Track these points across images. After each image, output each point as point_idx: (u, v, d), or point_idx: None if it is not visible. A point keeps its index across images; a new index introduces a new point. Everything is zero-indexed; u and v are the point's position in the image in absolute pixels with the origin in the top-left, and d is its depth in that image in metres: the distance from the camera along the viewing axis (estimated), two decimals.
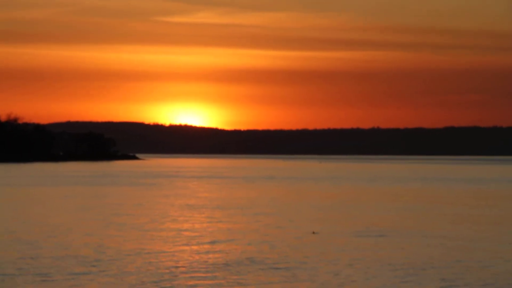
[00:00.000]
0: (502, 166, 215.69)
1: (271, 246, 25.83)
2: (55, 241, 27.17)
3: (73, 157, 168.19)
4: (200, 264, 20.00)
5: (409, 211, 49.76)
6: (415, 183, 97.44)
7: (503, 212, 50.16)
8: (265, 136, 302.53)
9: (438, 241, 28.30)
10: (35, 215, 43.88)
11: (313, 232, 31.81)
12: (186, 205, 52.02)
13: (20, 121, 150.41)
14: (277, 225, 36.36)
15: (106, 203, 55.30)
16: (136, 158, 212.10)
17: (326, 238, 29.20)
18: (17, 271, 17.65)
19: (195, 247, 25.09)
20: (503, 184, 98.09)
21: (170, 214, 44.10)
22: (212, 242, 27.07)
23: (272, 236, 30.16)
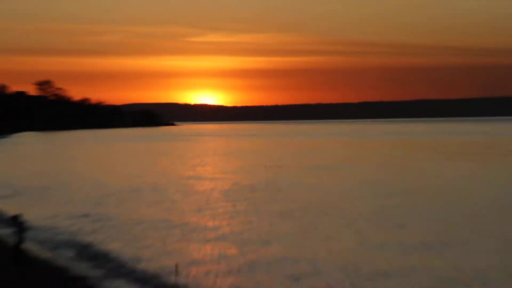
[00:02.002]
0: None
1: (241, 172, 46.04)
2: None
3: (136, 125, 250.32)
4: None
5: (347, 154, 69.28)
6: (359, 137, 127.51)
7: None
8: (254, 110, 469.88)
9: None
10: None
11: (265, 166, 49.94)
12: (210, 150, 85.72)
13: (104, 103, 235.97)
14: (250, 162, 57.19)
15: (174, 149, 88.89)
16: (174, 125, 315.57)
17: (273, 169, 47.43)
18: None
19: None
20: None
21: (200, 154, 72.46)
22: (215, 166, 53.90)
23: (243, 168, 51.24)
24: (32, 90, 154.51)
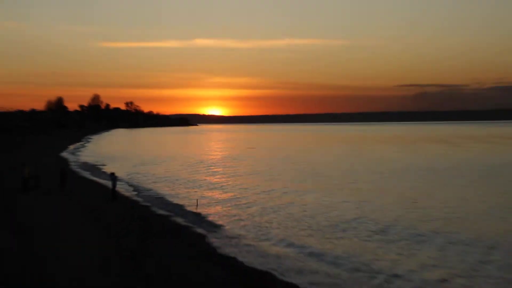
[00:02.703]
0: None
1: (228, 149, 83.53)
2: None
3: (177, 125, 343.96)
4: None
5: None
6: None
7: None
8: (241, 117, 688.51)
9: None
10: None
11: (248, 147, 75.53)
12: (220, 137, 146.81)
13: (160, 113, 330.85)
14: (235, 144, 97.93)
15: (202, 137, 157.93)
16: (197, 125, 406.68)
17: (255, 151, 72.75)
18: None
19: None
20: None
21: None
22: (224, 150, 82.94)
23: (232, 147, 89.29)
24: (122, 106, 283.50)
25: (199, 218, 21.80)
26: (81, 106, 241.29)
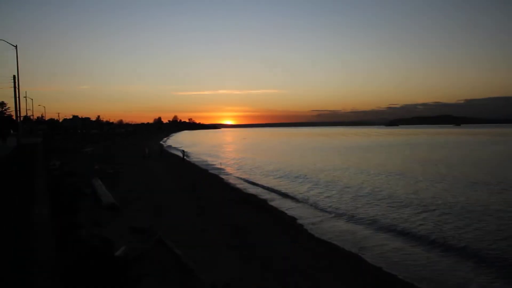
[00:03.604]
0: None
1: (239, 137, 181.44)
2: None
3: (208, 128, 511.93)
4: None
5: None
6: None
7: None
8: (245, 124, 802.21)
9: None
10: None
11: (243, 138, 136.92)
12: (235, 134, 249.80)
13: (193, 121, 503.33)
14: (242, 136, 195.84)
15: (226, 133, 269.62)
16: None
17: (247, 141, 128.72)
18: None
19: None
20: None
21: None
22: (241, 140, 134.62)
23: (240, 136, 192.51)
24: (187, 120, 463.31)
25: (222, 171, 44.54)
26: (169, 121, 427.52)
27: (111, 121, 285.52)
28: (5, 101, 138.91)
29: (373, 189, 29.82)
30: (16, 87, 54.90)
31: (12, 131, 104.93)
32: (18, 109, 56.85)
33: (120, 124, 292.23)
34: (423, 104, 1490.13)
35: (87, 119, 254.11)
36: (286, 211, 22.67)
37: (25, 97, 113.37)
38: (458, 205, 23.35)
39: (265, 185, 33.17)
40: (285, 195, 28.09)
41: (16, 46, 52.71)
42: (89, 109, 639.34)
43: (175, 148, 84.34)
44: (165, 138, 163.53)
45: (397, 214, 21.57)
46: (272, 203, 24.98)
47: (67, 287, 6.97)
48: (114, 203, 20.73)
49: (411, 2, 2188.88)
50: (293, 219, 20.79)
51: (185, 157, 51.70)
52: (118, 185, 29.39)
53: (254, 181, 35.49)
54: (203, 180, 35.44)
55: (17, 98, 55.46)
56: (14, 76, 54.83)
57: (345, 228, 19.00)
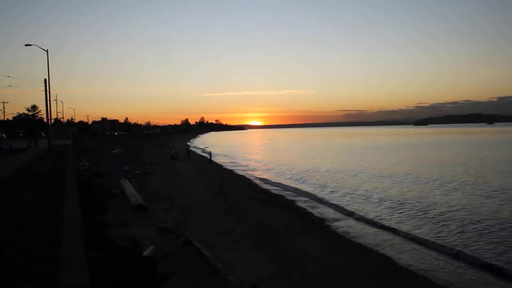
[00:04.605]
0: None
1: (270, 138, 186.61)
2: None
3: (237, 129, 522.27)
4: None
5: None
6: None
7: None
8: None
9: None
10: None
11: (270, 139, 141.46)
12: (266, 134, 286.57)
13: (220, 122, 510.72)
14: (268, 136, 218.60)
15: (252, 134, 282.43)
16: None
17: (274, 142, 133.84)
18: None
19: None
20: None
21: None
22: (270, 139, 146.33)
23: (269, 137, 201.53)
24: (213, 121, 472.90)
25: (249, 168, 44.54)
26: (196, 122, 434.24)
27: (138, 123, 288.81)
28: (37, 105, 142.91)
29: (406, 192, 29.31)
30: (47, 91, 56.07)
31: (43, 133, 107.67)
32: (49, 112, 58.06)
33: (148, 126, 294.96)
34: (453, 103, 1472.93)
35: (115, 121, 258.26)
36: (314, 212, 22.50)
37: (56, 100, 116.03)
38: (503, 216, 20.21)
39: (292, 186, 33.02)
40: (312, 196, 27.90)
41: (47, 51, 53.85)
42: (117, 111, 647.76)
43: (202, 149, 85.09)
44: (192, 139, 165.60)
45: (441, 227, 18.80)
46: (300, 204, 24.85)
47: (96, 285, 7.03)
48: (142, 204, 20.93)
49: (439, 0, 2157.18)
50: (321, 220, 20.61)
51: (211, 158, 51.87)
52: (146, 185, 29.70)
53: (281, 182, 35.37)
54: (230, 181, 35.49)
55: (48, 101, 56.66)
56: (45, 80, 56.01)
57: (374, 231, 18.68)
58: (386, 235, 17.74)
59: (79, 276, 6.57)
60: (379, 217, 20.86)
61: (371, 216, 21.24)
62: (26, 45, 51.14)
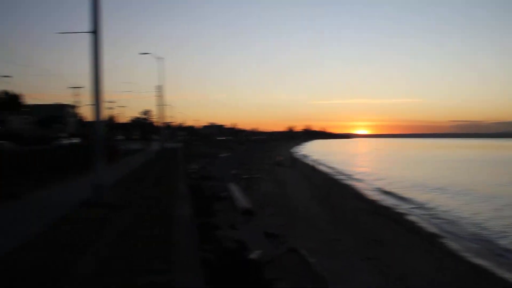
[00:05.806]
0: None
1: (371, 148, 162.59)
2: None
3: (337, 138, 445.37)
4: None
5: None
6: None
7: None
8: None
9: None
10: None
11: (375, 148, 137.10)
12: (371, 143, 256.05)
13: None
14: (370, 145, 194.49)
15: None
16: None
17: (377, 151, 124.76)
18: None
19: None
20: None
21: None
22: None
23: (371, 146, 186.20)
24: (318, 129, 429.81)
25: (354, 181, 43.75)
26: (302, 130, 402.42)
27: (245, 128, 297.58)
28: (151, 109, 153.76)
29: None
30: (160, 96, 59.81)
31: (155, 137, 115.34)
32: (162, 117, 61.93)
33: (254, 132, 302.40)
34: None
35: (222, 126, 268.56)
36: (424, 226, 21.45)
37: (167, 104, 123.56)
38: None
39: (402, 195, 31.81)
40: (425, 209, 26.59)
41: (162, 59, 57.46)
42: (225, 116, 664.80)
43: (307, 157, 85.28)
44: (296, 146, 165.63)
45: None
46: (409, 217, 23.83)
47: (210, 284, 7.31)
48: (250, 208, 21.43)
49: None
50: (432, 235, 19.59)
51: (316, 166, 51.90)
52: (253, 190, 30.35)
53: (389, 192, 34.24)
54: (335, 189, 35.13)
55: (161, 107, 60.46)
56: (159, 86, 59.80)
57: (493, 254, 17.30)
58: (507, 260, 16.29)
59: (195, 275, 6.89)
60: (501, 236, 19.28)
61: (492, 237, 19.59)
62: (141, 53, 54.96)
